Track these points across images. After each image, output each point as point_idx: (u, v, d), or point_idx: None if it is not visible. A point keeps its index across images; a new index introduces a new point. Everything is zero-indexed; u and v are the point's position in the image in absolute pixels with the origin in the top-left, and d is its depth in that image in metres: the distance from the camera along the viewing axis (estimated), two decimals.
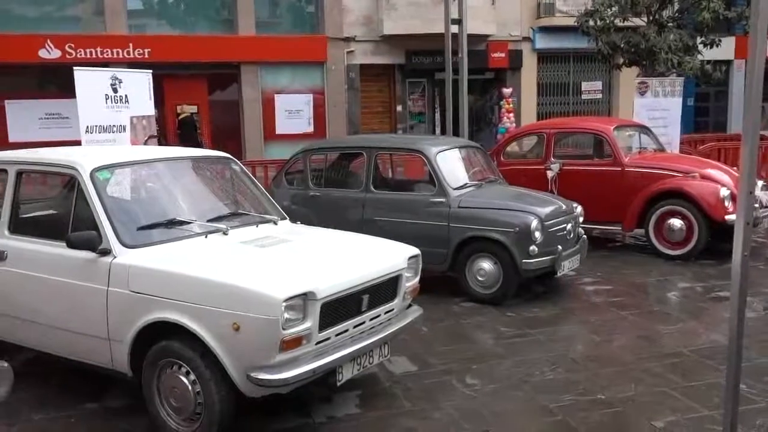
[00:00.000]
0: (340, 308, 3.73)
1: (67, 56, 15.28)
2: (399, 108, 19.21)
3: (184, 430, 3.67)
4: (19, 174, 4.42)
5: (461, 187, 6.54)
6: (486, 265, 6.21)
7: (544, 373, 4.65)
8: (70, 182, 4.36)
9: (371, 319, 4.02)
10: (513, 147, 9.92)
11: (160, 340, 3.67)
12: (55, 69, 15.29)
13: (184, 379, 3.60)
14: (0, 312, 4.30)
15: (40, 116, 15.98)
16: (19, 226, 4.39)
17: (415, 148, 6.81)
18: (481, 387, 4.44)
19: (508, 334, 5.46)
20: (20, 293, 4.19)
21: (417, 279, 4.44)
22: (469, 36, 12.56)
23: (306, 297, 3.48)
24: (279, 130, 17.72)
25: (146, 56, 15.75)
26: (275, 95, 17.77)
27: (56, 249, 4.02)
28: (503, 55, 19.45)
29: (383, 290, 4.08)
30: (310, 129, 17.87)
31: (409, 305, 4.50)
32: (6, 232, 4.32)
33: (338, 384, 3.81)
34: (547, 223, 6.18)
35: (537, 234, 6.06)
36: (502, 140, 10.61)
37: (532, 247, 6.03)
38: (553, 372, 4.67)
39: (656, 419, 3.94)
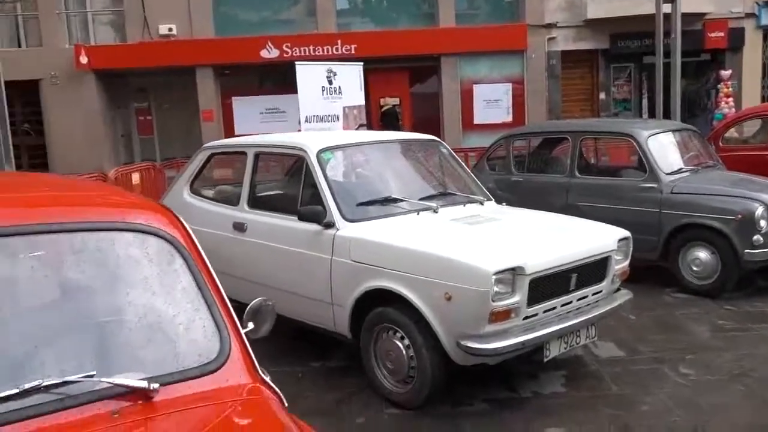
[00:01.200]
0: (548, 285, 3.77)
1: (284, 55, 16.62)
2: (602, 95, 18.40)
3: (397, 391, 3.94)
4: (257, 156, 4.98)
5: (675, 172, 6.21)
6: (702, 254, 5.85)
7: None
8: (298, 162, 4.83)
9: (579, 299, 4.01)
10: (732, 132, 9.16)
11: (378, 307, 3.96)
12: (273, 67, 16.73)
13: (399, 344, 3.87)
14: (241, 277, 4.89)
15: (261, 111, 17.59)
16: (256, 201, 4.96)
17: (625, 132, 6.57)
18: (697, 378, 4.23)
19: (726, 327, 5.11)
20: (258, 261, 4.73)
21: (627, 262, 4.34)
22: (683, 15, 11.75)
23: (515, 272, 3.57)
24: (477, 120, 17.82)
25: (353, 52, 16.63)
26: (474, 85, 17.89)
27: (287, 222, 4.49)
28: (722, 34, 17.82)
29: (592, 271, 4.04)
30: (509, 118, 17.76)
31: (618, 289, 4.41)
32: (246, 207, 4.90)
33: (545, 360, 3.85)
34: None
35: (762, 222, 5.59)
36: (719, 125, 9.81)
37: (757, 237, 5.57)
38: None
39: None
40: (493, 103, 17.94)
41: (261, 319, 2.04)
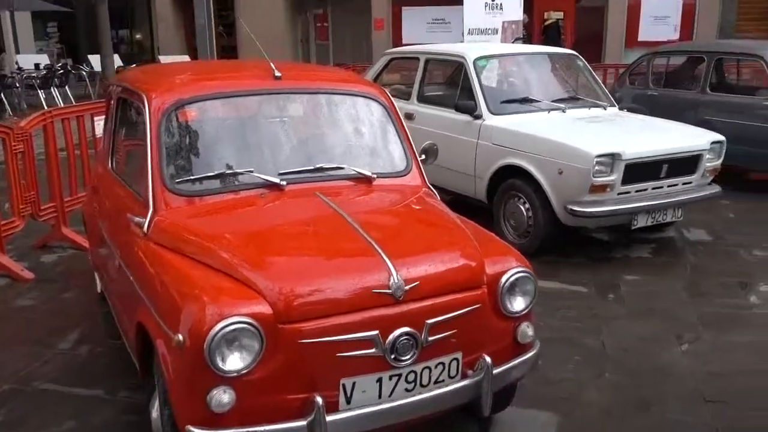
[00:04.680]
0: (641, 171, 4.90)
1: None
2: None
3: (517, 242, 5.30)
4: (426, 61, 6.38)
5: None
6: None
7: None
8: (458, 67, 6.15)
9: (669, 186, 5.10)
10: None
11: (508, 179, 5.32)
12: None
13: (521, 207, 5.22)
14: None
15: (428, 21, 18.78)
16: (423, 97, 6.39)
17: (756, 54, 7.17)
18: (765, 256, 5.22)
19: None
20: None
21: (718, 162, 5.31)
22: None
23: (614, 157, 4.75)
24: (641, 37, 17.83)
25: None
26: (642, 0, 17.81)
27: (446, 113, 5.90)
28: None
29: (683, 164, 5.09)
30: (675, 36, 17.58)
31: (710, 184, 5.40)
32: (415, 101, 6.34)
33: (632, 227, 5.03)
34: None
35: None
36: None
37: None
38: None
39: None
40: (660, 19, 17.82)
41: (429, 155, 3.48)
